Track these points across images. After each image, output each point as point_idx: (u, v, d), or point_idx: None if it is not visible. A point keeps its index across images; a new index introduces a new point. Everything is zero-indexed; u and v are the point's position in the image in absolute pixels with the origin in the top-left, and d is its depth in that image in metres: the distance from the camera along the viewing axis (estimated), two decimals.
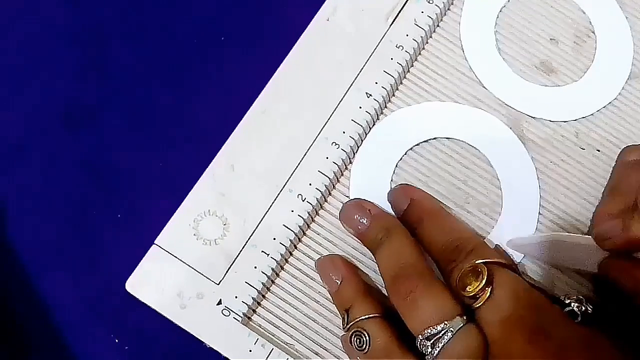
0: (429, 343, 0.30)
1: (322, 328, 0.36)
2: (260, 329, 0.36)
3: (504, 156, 0.38)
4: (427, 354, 0.30)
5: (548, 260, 0.36)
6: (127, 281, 0.35)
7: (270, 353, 0.34)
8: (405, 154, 0.38)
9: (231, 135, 0.38)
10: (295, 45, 0.39)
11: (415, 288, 0.31)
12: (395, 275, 0.32)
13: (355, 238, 0.37)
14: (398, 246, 0.34)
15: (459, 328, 0.30)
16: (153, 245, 0.36)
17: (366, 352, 0.32)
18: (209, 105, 0.40)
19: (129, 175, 0.39)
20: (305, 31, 0.39)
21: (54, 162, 0.39)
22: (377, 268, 0.35)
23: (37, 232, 0.38)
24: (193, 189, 0.37)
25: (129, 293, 0.35)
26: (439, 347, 0.30)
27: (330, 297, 0.36)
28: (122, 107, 0.40)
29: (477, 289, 0.31)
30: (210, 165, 0.37)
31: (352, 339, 0.33)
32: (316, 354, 0.35)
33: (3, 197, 0.38)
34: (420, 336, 0.31)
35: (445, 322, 0.30)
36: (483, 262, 0.31)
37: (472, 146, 0.38)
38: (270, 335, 0.35)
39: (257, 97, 0.38)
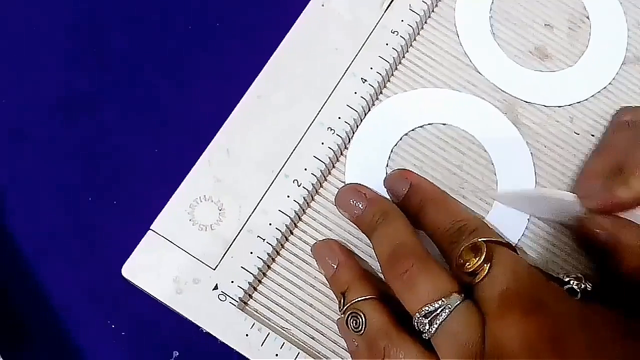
0: (426, 321, 0.30)
1: (318, 312, 0.36)
2: (256, 313, 0.36)
3: (498, 142, 0.38)
4: (425, 332, 0.30)
5: (533, 213, 0.37)
6: (123, 267, 0.35)
7: (266, 337, 0.35)
8: (401, 139, 0.38)
9: (227, 121, 0.38)
10: (290, 30, 0.39)
11: (411, 266, 0.31)
12: (391, 255, 0.33)
13: (351, 223, 0.37)
14: (394, 228, 0.34)
15: (457, 305, 0.30)
16: (149, 230, 0.36)
17: (362, 333, 0.32)
18: (204, 91, 0.40)
19: (125, 161, 0.39)
20: (300, 17, 0.39)
21: (50, 149, 0.39)
22: (373, 252, 0.35)
23: (34, 218, 0.38)
24: (189, 174, 0.37)
25: (125, 279, 0.35)
26: (436, 324, 0.30)
27: (326, 281, 0.36)
28: (118, 93, 0.40)
29: (475, 265, 0.31)
30: (205, 150, 0.37)
31: (349, 321, 0.33)
32: (312, 338, 0.35)
33: (0, 184, 0.38)
34: (417, 314, 0.31)
35: (443, 299, 0.30)
36: (483, 240, 0.31)
37: (467, 132, 0.38)
38: (267, 320, 0.36)
39: (252, 82, 0.38)
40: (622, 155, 0.34)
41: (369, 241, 0.36)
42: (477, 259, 0.31)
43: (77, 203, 0.38)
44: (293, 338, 0.35)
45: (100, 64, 0.40)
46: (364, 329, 0.32)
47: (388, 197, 0.37)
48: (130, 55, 0.40)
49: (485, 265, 0.31)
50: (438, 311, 0.30)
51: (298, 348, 0.35)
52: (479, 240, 0.31)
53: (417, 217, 0.35)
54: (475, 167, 0.38)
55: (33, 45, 0.41)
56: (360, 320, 0.32)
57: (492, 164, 0.38)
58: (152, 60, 0.40)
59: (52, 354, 0.36)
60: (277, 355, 0.34)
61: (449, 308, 0.30)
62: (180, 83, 0.40)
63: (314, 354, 0.35)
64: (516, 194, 0.37)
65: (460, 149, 0.38)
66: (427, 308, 0.30)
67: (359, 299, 0.33)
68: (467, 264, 0.31)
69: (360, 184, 0.37)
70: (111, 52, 0.41)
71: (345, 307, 0.33)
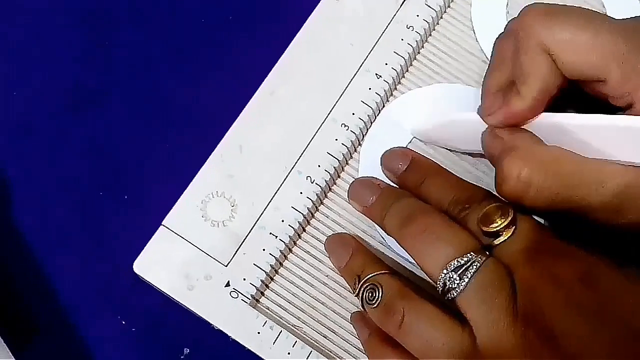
0: (455, 275, 0.29)
1: (330, 311, 0.35)
2: (268, 311, 0.35)
3: None
4: (454, 288, 0.29)
5: (451, 145, 0.37)
6: (135, 262, 0.35)
7: (278, 335, 0.34)
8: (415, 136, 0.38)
9: (239, 117, 0.37)
10: (304, 25, 0.39)
11: (431, 223, 0.30)
12: (407, 219, 0.31)
13: (364, 219, 0.36)
14: (406, 203, 0.32)
15: (485, 260, 0.29)
16: (161, 226, 0.36)
17: (378, 304, 0.31)
18: (216, 87, 0.39)
19: (137, 157, 0.38)
20: (314, 11, 0.39)
21: (60, 144, 0.39)
22: (387, 250, 0.34)
23: (44, 214, 0.38)
24: (201, 170, 0.37)
25: (136, 274, 0.35)
26: (467, 277, 0.29)
27: (339, 279, 0.35)
28: (129, 88, 0.40)
29: (502, 225, 0.30)
30: (218, 146, 0.37)
31: (364, 295, 0.31)
32: (325, 337, 0.35)
33: (10, 180, 0.38)
34: (444, 271, 0.29)
35: (471, 254, 0.29)
36: (507, 205, 0.31)
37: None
38: (279, 318, 0.35)
39: (265, 78, 0.38)
40: (510, 65, 0.33)
41: (381, 239, 0.36)
42: (504, 218, 0.30)
43: (87, 198, 0.38)
44: (305, 336, 0.35)
45: (110, 58, 0.40)
46: (381, 298, 0.31)
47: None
48: (141, 50, 0.40)
49: (511, 226, 0.30)
50: (467, 264, 0.29)
51: (310, 347, 0.34)
52: (503, 205, 0.31)
53: (418, 191, 0.34)
54: (491, 166, 0.37)
55: (42, 40, 0.40)
56: (377, 290, 0.31)
57: None
58: (163, 54, 0.40)
59: (62, 349, 0.36)
60: (289, 353, 0.34)
61: (479, 261, 0.29)
62: (193, 78, 0.40)
63: (326, 353, 0.35)
64: (429, 124, 0.37)
65: None
66: (455, 262, 0.29)
67: (375, 273, 0.32)
68: (493, 224, 0.30)
69: (373, 177, 0.36)
70: (121, 46, 0.40)
71: (361, 283, 0.32)
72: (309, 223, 0.37)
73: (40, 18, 0.41)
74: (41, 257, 0.37)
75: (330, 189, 0.37)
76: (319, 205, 0.37)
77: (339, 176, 0.37)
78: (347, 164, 0.37)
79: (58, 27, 0.40)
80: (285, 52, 0.38)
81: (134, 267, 0.35)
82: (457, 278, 0.29)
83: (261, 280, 0.35)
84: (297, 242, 0.36)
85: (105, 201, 0.38)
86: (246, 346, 0.34)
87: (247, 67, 0.39)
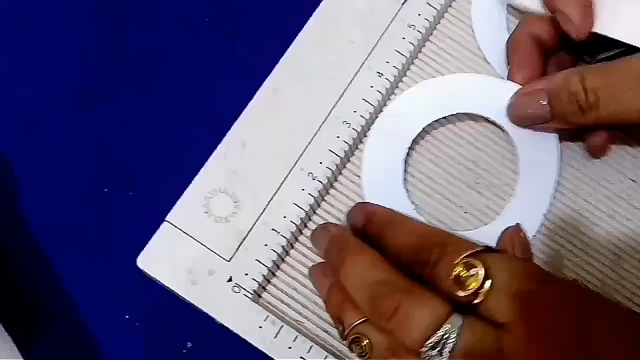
0: (435, 352, 0.29)
1: None
2: (270, 306, 0.36)
3: (525, 133, 0.37)
4: None
5: None
6: (138, 257, 0.36)
7: (280, 330, 0.35)
8: (417, 134, 0.38)
9: (243, 114, 0.38)
10: (307, 23, 0.39)
11: (399, 302, 0.30)
12: (372, 298, 0.31)
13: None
14: (362, 264, 0.32)
15: (460, 325, 0.29)
16: (164, 222, 0.36)
17: (367, 357, 0.31)
18: (220, 83, 0.40)
19: (141, 153, 0.39)
20: (317, 9, 0.39)
21: (67, 140, 0.39)
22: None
23: (50, 208, 0.38)
24: (204, 166, 0.37)
25: (140, 269, 0.36)
26: (448, 349, 0.28)
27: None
28: (135, 85, 0.40)
29: (477, 286, 0.29)
30: (221, 143, 0.37)
31: (353, 347, 0.31)
32: (325, 332, 0.35)
33: (17, 176, 0.38)
34: (423, 349, 0.29)
35: (446, 324, 0.29)
36: (473, 255, 0.30)
37: (493, 122, 0.37)
38: (280, 312, 0.36)
39: (268, 75, 0.38)
40: None
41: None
42: (477, 279, 0.29)
43: (92, 194, 0.38)
44: (306, 331, 0.35)
45: (116, 55, 0.40)
46: (369, 353, 0.30)
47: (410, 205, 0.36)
48: (146, 47, 0.41)
49: (486, 282, 0.29)
50: (444, 338, 0.28)
51: (311, 341, 0.35)
52: (470, 257, 0.30)
53: (379, 243, 0.33)
54: (492, 163, 0.38)
55: (50, 37, 0.41)
56: (363, 342, 0.31)
57: (510, 160, 0.38)
58: (168, 51, 0.40)
59: (67, 343, 0.36)
60: (290, 347, 0.34)
61: (455, 331, 0.28)
62: (197, 75, 0.40)
63: (327, 348, 0.35)
64: None
65: (477, 144, 0.38)
66: (433, 340, 0.29)
67: (356, 323, 0.31)
68: (468, 287, 0.29)
69: (329, 223, 0.36)
70: (128, 44, 0.41)
71: (346, 333, 0.32)
72: (310, 219, 0.37)
73: (49, 16, 0.41)
74: (47, 252, 0.37)
75: (332, 186, 0.37)
76: (321, 202, 0.37)
77: (340, 173, 0.38)
78: (348, 161, 0.38)
79: (66, 25, 0.41)
80: (288, 49, 0.39)
81: (137, 262, 0.35)
82: (438, 354, 0.29)
83: (263, 275, 0.35)
84: (299, 238, 0.37)
85: (110, 197, 0.38)
86: (248, 340, 0.35)
87: (251, 65, 0.39)
